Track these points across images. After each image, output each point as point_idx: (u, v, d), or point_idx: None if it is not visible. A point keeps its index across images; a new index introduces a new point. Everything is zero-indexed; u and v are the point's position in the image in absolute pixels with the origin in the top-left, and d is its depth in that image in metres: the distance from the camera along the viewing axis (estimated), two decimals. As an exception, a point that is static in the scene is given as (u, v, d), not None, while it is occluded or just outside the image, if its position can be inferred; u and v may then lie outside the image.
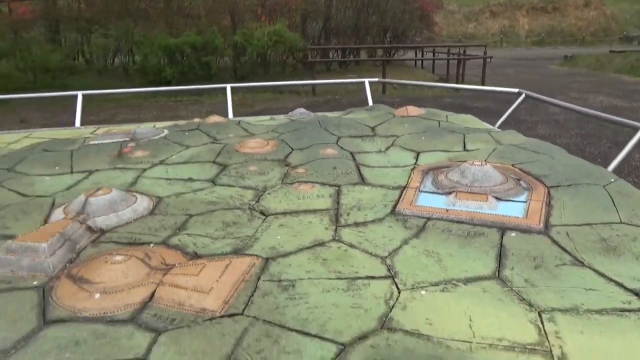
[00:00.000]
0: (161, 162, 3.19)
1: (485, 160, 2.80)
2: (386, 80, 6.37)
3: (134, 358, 1.34)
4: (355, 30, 18.26)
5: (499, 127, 4.37)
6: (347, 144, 3.46)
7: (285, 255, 1.93)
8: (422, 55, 16.65)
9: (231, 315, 1.51)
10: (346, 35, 17.76)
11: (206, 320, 1.48)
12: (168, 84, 14.45)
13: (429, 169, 2.83)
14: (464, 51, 14.83)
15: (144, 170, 3.06)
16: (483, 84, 14.83)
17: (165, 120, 5.64)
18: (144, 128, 3.74)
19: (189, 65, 14.31)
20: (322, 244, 2.03)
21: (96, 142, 3.53)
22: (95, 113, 10.40)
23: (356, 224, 2.23)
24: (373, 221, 2.25)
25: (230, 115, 5.52)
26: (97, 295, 1.60)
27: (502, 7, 38.87)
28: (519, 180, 2.55)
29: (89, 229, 2.12)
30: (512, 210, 2.23)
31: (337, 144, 3.43)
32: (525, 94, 4.57)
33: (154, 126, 4.21)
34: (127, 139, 3.56)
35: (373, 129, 3.89)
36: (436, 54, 17.98)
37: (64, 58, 15.22)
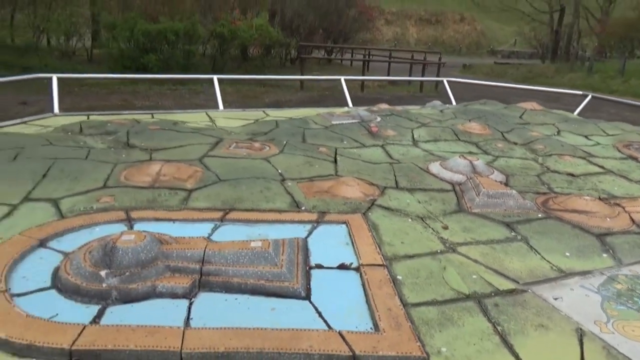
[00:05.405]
0: (414, 141, 3.86)
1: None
2: (461, 80, 7.38)
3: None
4: (311, 30, 19.21)
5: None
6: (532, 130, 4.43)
7: None
8: (390, 58, 18.20)
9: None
10: (307, 34, 18.62)
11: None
12: (145, 71, 13.94)
13: (625, 145, 3.94)
14: (425, 57, 16.73)
15: (415, 147, 3.71)
16: (436, 87, 16.71)
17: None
18: (362, 111, 4.31)
19: (171, 54, 13.94)
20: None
21: (337, 122, 4.04)
22: (104, 99, 9.98)
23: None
24: (650, 179, 3.28)
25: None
26: (609, 220, 2.39)
27: (395, 15, 43.04)
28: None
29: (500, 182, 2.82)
30: None
31: (525, 128, 4.39)
32: (592, 95, 5.96)
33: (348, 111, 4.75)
34: (357, 120, 4.12)
35: (521, 117, 4.92)
36: (372, 57, 19.95)
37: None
